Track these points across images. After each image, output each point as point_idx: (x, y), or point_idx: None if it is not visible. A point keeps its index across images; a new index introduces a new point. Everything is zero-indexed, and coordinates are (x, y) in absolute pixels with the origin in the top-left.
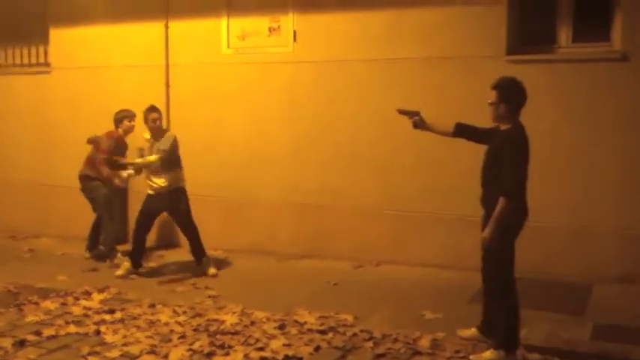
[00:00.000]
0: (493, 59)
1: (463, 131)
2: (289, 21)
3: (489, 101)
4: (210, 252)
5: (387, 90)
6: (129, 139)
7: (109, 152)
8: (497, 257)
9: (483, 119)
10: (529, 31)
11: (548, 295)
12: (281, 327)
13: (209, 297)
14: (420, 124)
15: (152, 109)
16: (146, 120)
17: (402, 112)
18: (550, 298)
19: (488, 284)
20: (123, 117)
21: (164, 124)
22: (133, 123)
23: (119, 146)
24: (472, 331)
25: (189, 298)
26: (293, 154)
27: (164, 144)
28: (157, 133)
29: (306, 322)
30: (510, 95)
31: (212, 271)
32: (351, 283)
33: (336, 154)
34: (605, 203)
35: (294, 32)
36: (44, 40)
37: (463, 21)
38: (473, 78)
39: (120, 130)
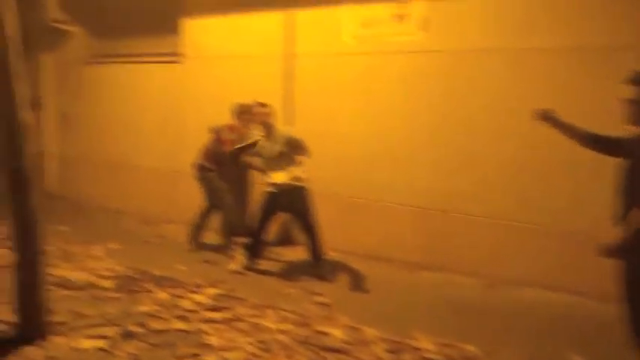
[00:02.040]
0: None
1: (596, 141)
2: (417, 7)
3: (629, 98)
4: (328, 253)
5: (524, 83)
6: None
7: (231, 144)
8: None
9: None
10: None
11: None
12: (393, 351)
13: (319, 304)
14: (547, 116)
15: (260, 104)
16: (256, 115)
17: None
18: None
19: None
20: (242, 110)
21: (285, 116)
22: (252, 116)
23: (240, 138)
24: None
25: (298, 302)
26: (416, 151)
27: (296, 138)
28: (269, 128)
29: (423, 349)
30: None
31: (327, 275)
32: (480, 305)
33: (466, 153)
34: None
35: (421, 19)
36: (177, 30)
37: (623, 3)
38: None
39: (239, 123)
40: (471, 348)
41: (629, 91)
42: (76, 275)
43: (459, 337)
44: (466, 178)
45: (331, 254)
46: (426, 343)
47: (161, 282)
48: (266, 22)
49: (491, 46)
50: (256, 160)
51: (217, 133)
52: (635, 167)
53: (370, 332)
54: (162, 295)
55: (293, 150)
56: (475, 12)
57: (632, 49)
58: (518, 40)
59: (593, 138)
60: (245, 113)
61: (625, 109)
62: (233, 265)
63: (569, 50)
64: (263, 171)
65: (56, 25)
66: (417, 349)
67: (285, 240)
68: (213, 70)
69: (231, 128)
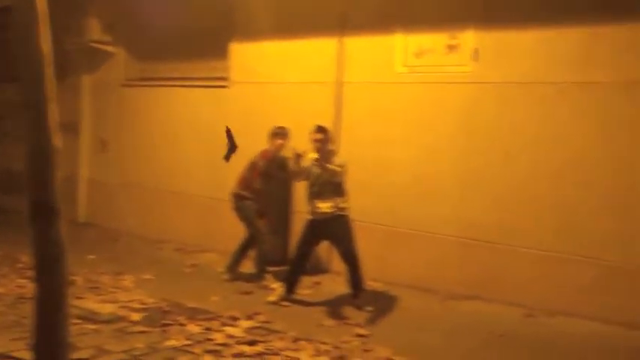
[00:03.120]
0: None
1: None
2: (469, 38)
3: None
4: (368, 283)
5: (575, 117)
6: None
7: (265, 175)
8: None
9: None
10: None
11: None
12: None
13: (357, 336)
14: None
15: (318, 129)
16: (311, 140)
17: None
18: None
19: None
20: (275, 134)
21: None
22: (284, 141)
23: (273, 164)
24: None
25: (336, 334)
26: (463, 183)
27: (340, 161)
28: (324, 154)
29: None
30: None
31: (367, 307)
32: (520, 336)
33: (512, 186)
34: None
35: (475, 50)
36: (225, 54)
37: None
38: None
39: (272, 148)
40: None
41: None
42: (103, 308)
43: None
44: (520, 214)
45: (379, 285)
46: None
47: (194, 314)
48: (316, 49)
49: (543, 80)
50: (299, 174)
51: (252, 164)
52: None
53: None
54: (194, 328)
55: (342, 179)
56: (524, 44)
57: None
58: (576, 73)
59: None
60: (278, 135)
61: None
62: (271, 297)
63: (620, 84)
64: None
65: (96, 46)
66: None
67: (326, 269)
68: (263, 96)
69: (264, 155)
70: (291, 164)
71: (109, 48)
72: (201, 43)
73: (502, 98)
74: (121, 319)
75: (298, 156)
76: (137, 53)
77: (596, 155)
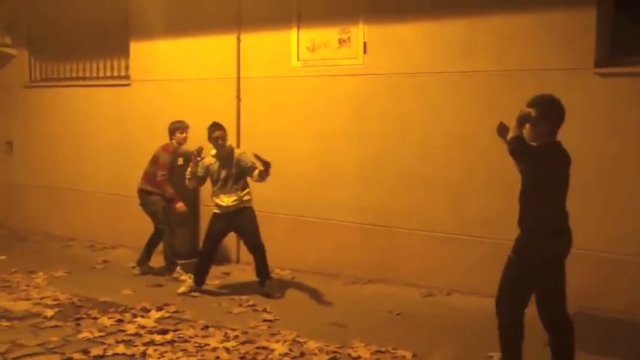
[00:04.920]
0: (579, 72)
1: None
2: (360, 32)
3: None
4: (276, 271)
5: (460, 105)
6: None
7: (169, 168)
8: None
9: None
10: (621, 41)
11: None
12: None
13: (264, 321)
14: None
15: (214, 126)
16: (209, 138)
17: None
18: None
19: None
20: (175, 128)
21: (234, 138)
22: (185, 135)
23: (176, 158)
24: None
25: (244, 321)
26: (360, 171)
27: (246, 161)
28: (222, 151)
29: (359, 357)
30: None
31: (275, 294)
32: (417, 313)
33: (406, 172)
34: None
35: (365, 43)
36: (125, 53)
37: (545, 30)
38: (558, 93)
39: (174, 142)
40: (404, 353)
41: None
42: (16, 305)
43: (394, 344)
44: (414, 198)
45: (286, 272)
46: (362, 351)
47: (106, 308)
48: (214, 46)
49: (429, 70)
50: (192, 182)
51: (154, 158)
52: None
53: (312, 345)
54: (107, 320)
55: (243, 172)
56: (411, 37)
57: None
58: (459, 64)
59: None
60: (178, 129)
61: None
62: (181, 288)
63: (519, 71)
64: (191, 183)
65: None
66: (354, 357)
67: (234, 259)
68: (164, 94)
69: (165, 149)
70: (190, 168)
71: (10, 50)
72: (103, 42)
73: (390, 89)
74: (35, 315)
75: (198, 153)
76: (39, 54)
77: (481, 141)
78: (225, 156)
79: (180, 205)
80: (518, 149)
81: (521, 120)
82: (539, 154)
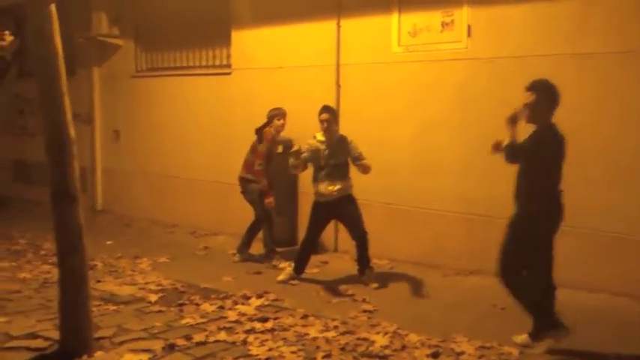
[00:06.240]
0: None
1: None
2: (464, 14)
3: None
4: (374, 261)
5: (575, 88)
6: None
7: (266, 156)
8: None
9: None
10: None
11: None
12: (434, 355)
13: (364, 312)
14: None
15: (323, 108)
16: (319, 120)
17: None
18: None
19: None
20: (273, 115)
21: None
22: (282, 122)
23: (275, 146)
24: None
25: (344, 311)
26: (462, 159)
27: (356, 149)
28: (331, 137)
29: (463, 352)
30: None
31: (373, 284)
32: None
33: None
34: None
35: (469, 26)
36: (227, 42)
37: None
38: None
39: (272, 130)
40: (510, 350)
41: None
42: (122, 290)
43: (499, 339)
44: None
45: (385, 262)
46: (466, 347)
47: (208, 294)
48: (314, 33)
49: (537, 53)
50: (296, 163)
51: (253, 145)
52: None
53: (413, 337)
54: (208, 307)
55: (348, 159)
56: (518, 19)
57: None
58: (571, 45)
59: None
60: (276, 117)
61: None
62: (281, 276)
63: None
64: (296, 171)
65: (104, 39)
66: (458, 352)
67: (334, 248)
68: (264, 81)
69: (264, 137)
70: (291, 161)
71: (117, 41)
72: (205, 32)
73: (495, 73)
74: (140, 300)
75: (297, 152)
76: (144, 45)
77: (597, 130)
78: (336, 143)
79: (269, 201)
80: (509, 158)
81: (512, 119)
82: (533, 145)
